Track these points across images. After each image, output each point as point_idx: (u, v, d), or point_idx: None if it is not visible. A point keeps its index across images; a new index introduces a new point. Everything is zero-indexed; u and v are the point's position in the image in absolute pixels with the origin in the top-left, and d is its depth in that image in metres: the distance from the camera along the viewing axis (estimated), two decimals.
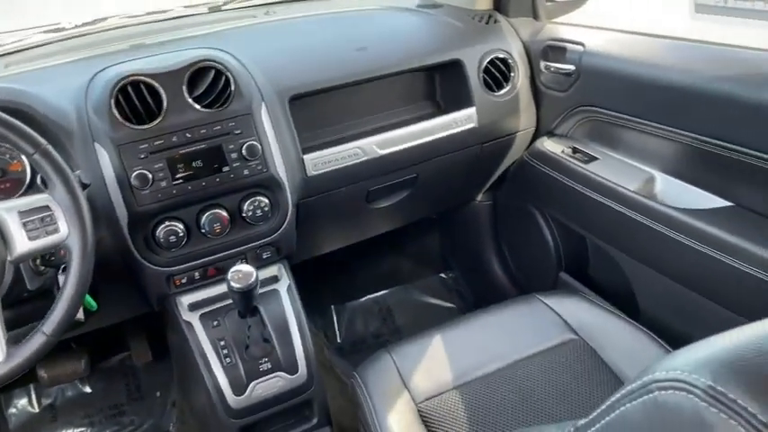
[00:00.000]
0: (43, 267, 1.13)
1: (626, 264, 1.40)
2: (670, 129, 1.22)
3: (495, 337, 1.26)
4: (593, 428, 0.50)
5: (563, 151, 1.50)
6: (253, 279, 1.12)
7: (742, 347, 0.40)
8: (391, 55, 1.43)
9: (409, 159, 1.44)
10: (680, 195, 1.26)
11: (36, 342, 0.94)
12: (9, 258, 0.93)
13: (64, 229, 0.97)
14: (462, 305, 2.08)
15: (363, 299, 2.08)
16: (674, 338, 1.18)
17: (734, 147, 1.11)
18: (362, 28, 1.54)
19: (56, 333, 0.95)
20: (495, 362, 1.18)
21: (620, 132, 1.39)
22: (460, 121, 1.45)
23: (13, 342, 0.94)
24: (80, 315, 1.11)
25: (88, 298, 1.12)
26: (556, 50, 1.47)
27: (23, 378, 1.72)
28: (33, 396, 1.76)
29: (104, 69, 1.20)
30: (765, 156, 1.06)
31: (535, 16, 1.58)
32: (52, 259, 1.11)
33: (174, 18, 1.71)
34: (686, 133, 1.19)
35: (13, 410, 1.74)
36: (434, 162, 1.49)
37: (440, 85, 1.53)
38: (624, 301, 1.40)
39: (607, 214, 1.37)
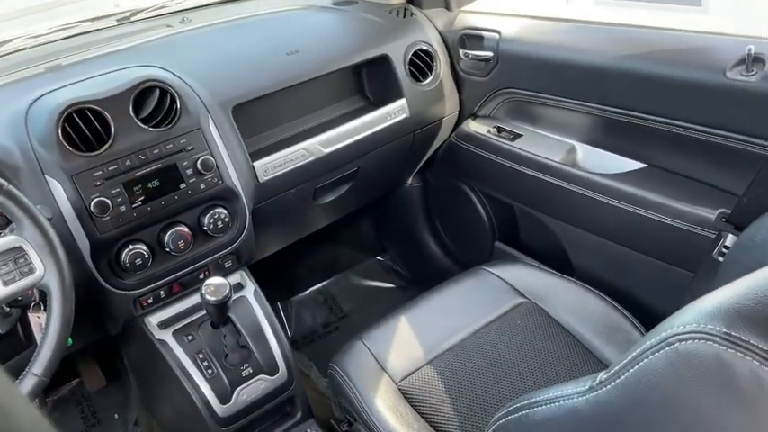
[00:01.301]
0: (9, 309, 1.10)
1: (556, 227, 1.55)
2: (585, 104, 1.37)
3: (454, 310, 1.36)
4: (617, 380, 0.58)
5: (488, 131, 1.63)
6: (227, 291, 1.15)
7: (744, 298, 0.50)
8: (322, 56, 1.47)
9: (351, 154, 1.50)
10: (599, 162, 1.42)
11: (28, 384, 0.93)
12: None
13: (39, 269, 0.96)
14: (402, 283, 2.18)
15: (307, 291, 2.13)
16: (608, 289, 1.34)
17: (642, 115, 1.27)
18: (288, 31, 1.57)
19: (47, 373, 0.95)
20: (459, 333, 1.28)
21: (540, 110, 1.53)
22: (394, 112, 1.53)
23: None
24: None
25: None
26: (472, 39, 1.58)
27: None
28: None
29: (40, 98, 1.17)
30: (668, 120, 1.22)
31: (447, 6, 1.67)
32: (19, 299, 1.08)
33: (82, 33, 1.65)
34: (600, 106, 1.34)
35: None
36: (373, 154, 1.56)
37: (367, 79, 1.59)
38: (559, 262, 1.56)
39: (536, 185, 1.50)
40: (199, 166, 1.21)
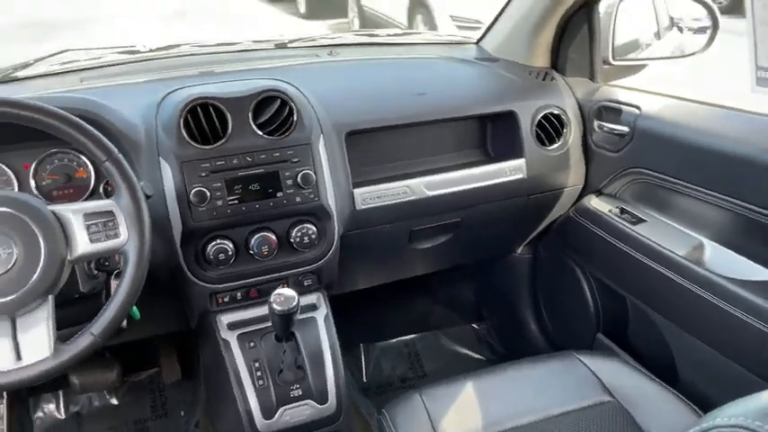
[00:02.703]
0: (97, 271, 1.16)
1: (667, 329, 1.38)
2: (723, 197, 1.22)
3: (528, 390, 1.25)
4: None
5: (610, 211, 1.51)
6: (294, 303, 1.13)
7: None
8: (448, 101, 1.46)
9: (455, 203, 1.46)
10: (729, 265, 1.24)
11: (83, 342, 0.96)
12: (69, 257, 0.97)
13: (124, 235, 1.01)
14: (493, 358, 2.05)
15: (393, 340, 2.07)
16: (712, 409, 1.15)
17: None
18: (422, 74, 1.59)
19: (103, 335, 0.98)
20: (528, 415, 1.16)
21: (670, 196, 1.39)
22: (509, 170, 1.47)
23: (61, 341, 0.97)
24: (123, 322, 1.14)
25: (134, 306, 1.15)
26: (610, 111, 1.49)
27: (54, 383, 1.75)
28: (62, 402, 1.79)
29: (176, 90, 1.27)
30: None
31: (591, 77, 1.60)
32: (106, 264, 1.15)
33: (241, 51, 1.79)
34: (738, 202, 1.18)
35: (39, 414, 1.77)
36: (480, 208, 1.51)
37: (491, 134, 1.55)
38: (663, 367, 1.37)
39: (652, 277, 1.35)
40: (299, 180, 1.23)
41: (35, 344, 0.94)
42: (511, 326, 2.01)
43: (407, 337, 2.09)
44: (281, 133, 1.24)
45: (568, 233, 1.66)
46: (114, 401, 1.82)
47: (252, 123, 1.23)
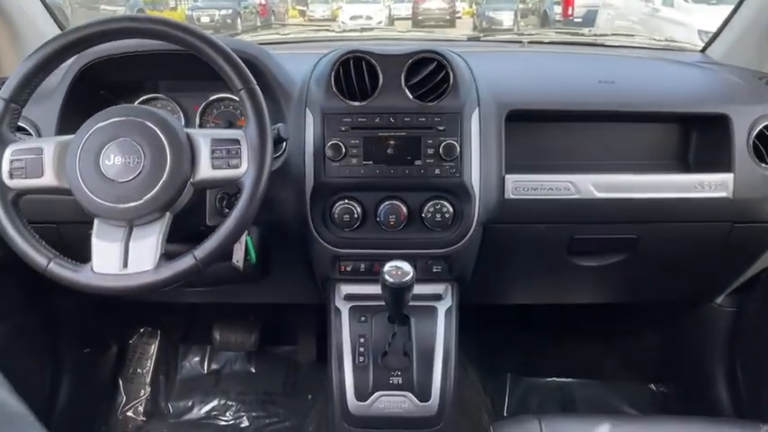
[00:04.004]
0: (227, 210, 1.17)
1: None
2: None
3: None
4: None
5: None
6: (408, 278, 1.01)
7: None
8: (640, 94, 1.24)
9: (632, 214, 1.21)
10: None
11: (184, 263, 0.95)
12: (192, 180, 0.97)
13: (244, 166, 0.99)
14: None
15: (547, 379, 1.81)
16: None
17: None
18: (618, 66, 1.38)
19: (205, 260, 0.95)
20: None
21: None
22: (709, 185, 1.19)
23: (167, 259, 0.97)
24: (239, 263, 1.12)
25: (250, 245, 1.13)
26: None
27: (203, 337, 1.83)
28: (207, 358, 1.86)
29: (336, 49, 1.24)
30: None
31: None
32: (235, 202, 1.15)
33: (433, 40, 1.75)
34: None
35: (185, 363, 1.86)
36: (665, 227, 1.24)
37: (696, 143, 1.28)
38: None
39: None
40: (441, 150, 1.12)
41: (142, 255, 0.95)
42: (696, 394, 1.63)
43: (564, 379, 1.81)
44: (431, 99, 1.14)
45: None
46: (252, 369, 1.85)
47: (403, 84, 1.15)
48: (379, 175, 1.14)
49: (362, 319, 1.17)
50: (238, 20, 12.73)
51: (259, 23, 13.16)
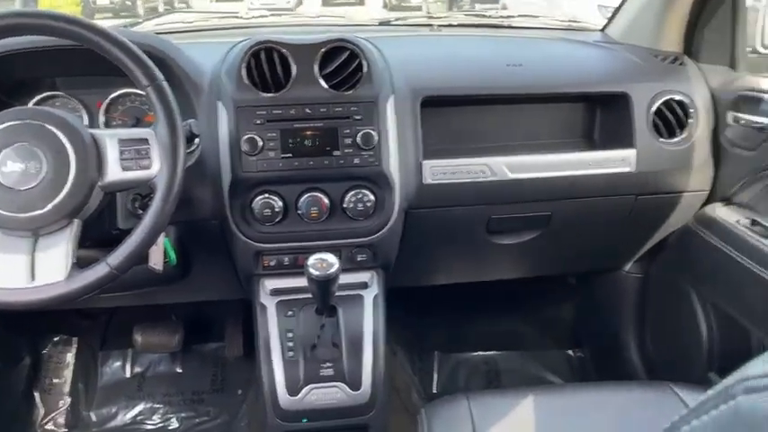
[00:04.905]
0: (141, 211, 1.12)
1: None
2: None
3: (601, 417, 1.04)
4: None
5: (739, 222, 1.23)
6: (333, 269, 1.01)
7: None
8: (547, 76, 1.29)
9: (544, 192, 1.26)
10: None
11: (98, 271, 0.91)
12: (100, 183, 0.92)
13: (155, 166, 0.95)
14: None
15: (472, 354, 1.88)
16: None
17: None
18: (525, 49, 1.43)
19: (121, 267, 0.91)
20: None
21: None
22: (613, 161, 1.25)
23: (79, 268, 0.92)
24: (158, 265, 1.09)
25: (168, 247, 1.09)
26: (750, 101, 1.22)
27: (124, 341, 1.76)
28: (129, 361, 1.80)
29: (246, 39, 1.21)
30: None
31: (732, 65, 1.34)
32: (148, 202, 1.11)
33: (344, 25, 1.74)
34: None
35: (106, 369, 1.79)
36: (574, 203, 1.30)
37: (600, 121, 1.34)
38: None
39: None
40: (359, 139, 1.12)
41: (51, 265, 0.90)
42: (610, 357, 1.73)
43: (489, 352, 1.88)
44: (346, 88, 1.14)
45: (686, 249, 1.39)
46: (178, 369, 1.80)
47: (317, 74, 1.13)
48: (299, 168, 1.13)
49: (289, 313, 1.16)
50: (138, 1, 12.09)
51: (162, 4, 12.55)
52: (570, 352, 1.88)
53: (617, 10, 1.57)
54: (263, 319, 1.16)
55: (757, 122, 1.19)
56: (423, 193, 1.21)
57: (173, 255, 1.10)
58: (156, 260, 1.08)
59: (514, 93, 1.25)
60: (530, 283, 1.60)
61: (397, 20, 1.75)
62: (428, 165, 1.20)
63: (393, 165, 1.15)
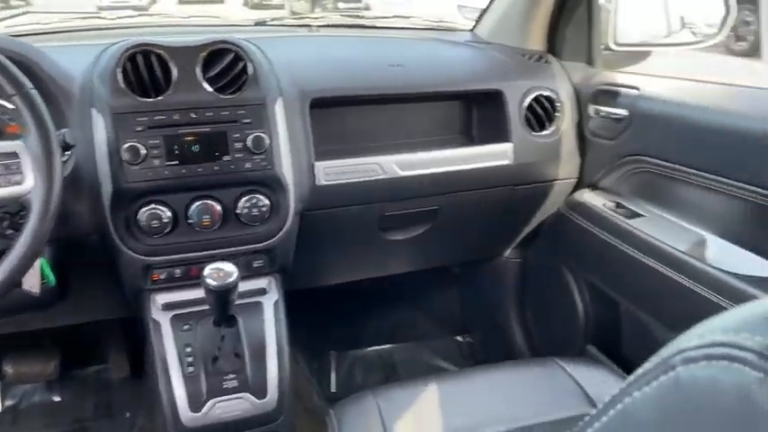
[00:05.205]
0: (11, 231, 1.02)
1: (663, 336, 1.21)
2: (732, 182, 1.06)
3: (500, 396, 1.10)
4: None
5: (604, 205, 1.35)
6: (232, 279, 0.98)
7: None
8: (428, 77, 1.33)
9: (432, 187, 1.31)
10: (737, 261, 1.08)
11: None
12: None
13: (29, 181, 0.87)
14: None
15: (368, 349, 1.90)
16: None
17: None
18: (403, 50, 1.47)
19: None
20: (497, 424, 1.01)
21: (671, 187, 1.23)
22: (493, 155, 1.33)
23: None
24: (35, 288, 1.00)
25: (45, 268, 1.00)
26: (607, 94, 1.35)
27: None
28: None
29: (118, 42, 1.14)
30: None
31: (589, 62, 1.47)
32: (20, 222, 1.01)
33: (217, 26, 1.69)
34: (750, 188, 1.03)
35: None
36: (460, 196, 1.36)
37: (477, 117, 1.41)
38: None
39: (649, 277, 1.19)
40: (249, 143, 1.10)
41: None
42: (495, 339, 1.84)
43: (383, 346, 1.92)
44: (232, 90, 1.11)
45: (559, 233, 1.50)
46: (56, 398, 1.66)
47: (200, 77, 1.09)
48: (186, 175, 1.08)
49: (186, 327, 1.11)
50: None
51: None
52: (459, 338, 1.97)
53: (484, 11, 1.66)
54: (158, 336, 1.10)
55: (615, 114, 1.32)
56: (316, 195, 1.21)
57: (51, 275, 1.02)
58: (31, 283, 0.99)
59: (398, 93, 1.29)
60: (418, 275, 1.65)
61: (273, 20, 1.73)
62: (321, 166, 1.20)
63: (286, 167, 1.14)
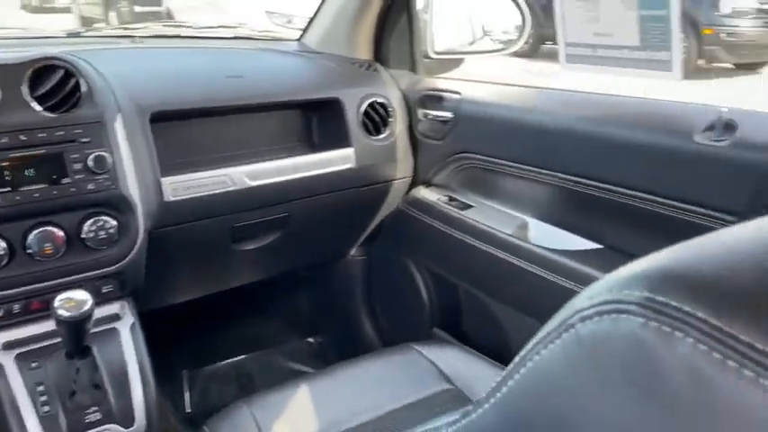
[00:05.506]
0: None
1: (499, 310, 1.37)
2: (545, 171, 1.24)
3: (366, 387, 1.17)
4: (497, 396, 0.40)
5: (439, 199, 1.49)
6: (86, 308, 0.93)
7: (678, 257, 0.34)
8: (267, 86, 1.36)
9: (282, 195, 1.34)
10: (552, 240, 1.26)
11: None
12: None
13: None
14: None
15: (222, 363, 1.87)
16: None
17: (604, 185, 1.13)
18: (239, 61, 1.48)
19: None
20: (368, 412, 1.08)
21: (495, 179, 1.40)
22: (338, 160, 1.40)
23: None
24: None
25: None
26: (433, 99, 1.48)
27: None
28: None
29: None
30: (630, 192, 1.09)
31: (413, 69, 1.60)
32: None
33: (25, 38, 1.55)
34: (561, 175, 1.21)
35: None
36: (309, 202, 1.41)
37: (317, 125, 1.47)
38: (497, 349, 1.36)
39: (481, 259, 1.34)
40: (90, 163, 1.04)
41: None
42: (348, 336, 1.91)
43: (237, 358, 1.90)
44: (65, 109, 1.05)
45: (400, 227, 1.62)
46: None
47: (27, 96, 1.02)
48: (22, 202, 1.00)
49: (34, 364, 1.03)
50: None
51: None
52: (311, 339, 2.01)
53: (311, 21, 1.72)
54: (2, 380, 1.01)
55: (441, 117, 1.46)
56: (165, 212, 1.18)
57: None
58: None
59: (239, 104, 1.30)
60: (268, 283, 1.67)
61: (87, 31, 1.63)
62: (167, 181, 1.17)
63: (132, 186, 1.10)
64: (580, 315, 0.33)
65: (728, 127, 0.96)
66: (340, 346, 1.97)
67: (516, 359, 0.39)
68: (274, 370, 1.90)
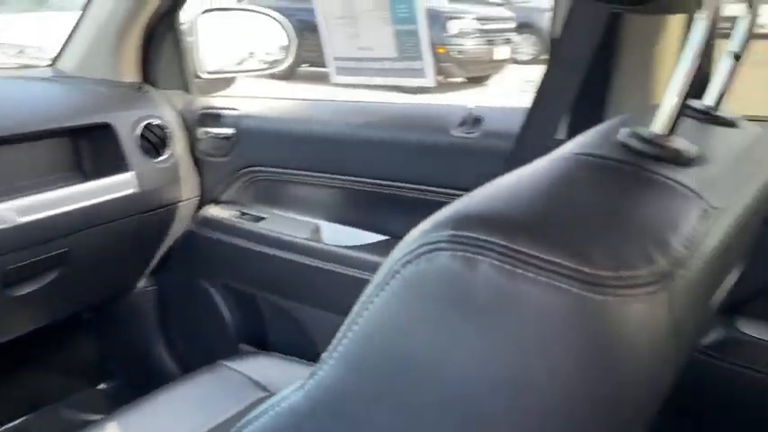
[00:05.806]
0: None
1: (304, 314, 1.43)
2: (328, 175, 1.34)
3: (181, 412, 1.15)
4: (338, 350, 0.46)
5: (230, 215, 1.50)
6: None
7: (474, 200, 0.43)
8: (20, 115, 1.25)
9: (59, 229, 1.24)
10: (342, 238, 1.36)
11: None
12: None
13: None
14: None
15: (1, 429, 1.64)
16: None
17: (381, 182, 1.27)
18: None
19: None
20: None
21: (284, 188, 1.46)
22: (117, 186, 1.34)
23: None
24: None
25: None
26: (212, 117, 1.50)
27: None
28: None
29: None
30: (404, 184, 1.24)
31: (186, 90, 1.59)
32: None
33: None
34: (342, 177, 1.32)
35: None
36: (90, 233, 1.32)
37: (89, 152, 1.39)
38: (308, 351, 1.41)
39: (281, 267, 1.39)
40: None
41: None
42: (146, 373, 1.80)
43: (17, 422, 1.67)
44: None
45: (192, 249, 1.59)
46: None
47: None
48: None
49: None
50: None
51: None
52: (103, 386, 1.86)
53: (65, 44, 1.60)
54: None
55: (222, 134, 1.48)
56: None
57: None
58: None
59: None
60: (47, 331, 1.52)
61: None
62: None
63: None
64: (402, 261, 0.40)
65: (477, 121, 1.15)
66: (139, 387, 1.85)
67: (353, 311, 0.45)
68: (65, 426, 1.72)
